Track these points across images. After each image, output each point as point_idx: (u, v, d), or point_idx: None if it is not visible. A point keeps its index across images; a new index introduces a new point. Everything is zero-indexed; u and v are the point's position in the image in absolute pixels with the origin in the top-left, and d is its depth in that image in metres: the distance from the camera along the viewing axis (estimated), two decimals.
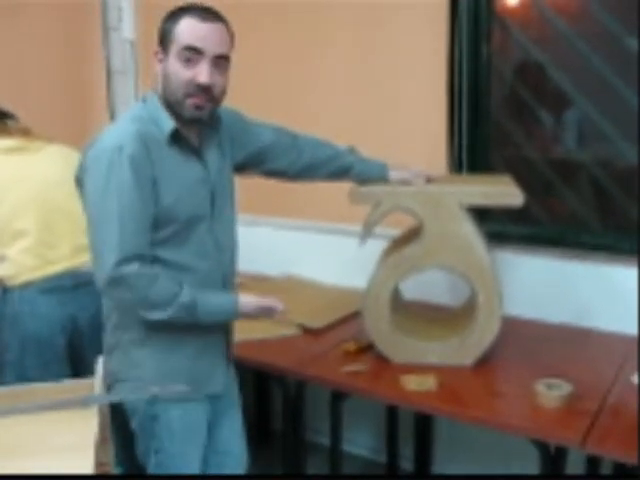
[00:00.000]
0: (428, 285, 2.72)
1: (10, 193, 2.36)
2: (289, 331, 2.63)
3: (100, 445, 1.52)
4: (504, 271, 2.69)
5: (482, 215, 2.67)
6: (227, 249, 1.99)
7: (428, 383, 2.15)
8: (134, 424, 1.97)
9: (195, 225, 1.87)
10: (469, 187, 2.24)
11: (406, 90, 2.86)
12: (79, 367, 2.39)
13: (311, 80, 3.14)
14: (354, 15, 2.93)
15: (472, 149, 2.77)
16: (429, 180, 2.29)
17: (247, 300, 1.90)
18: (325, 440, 2.64)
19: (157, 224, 1.80)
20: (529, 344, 2.47)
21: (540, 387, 2.04)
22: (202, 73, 1.76)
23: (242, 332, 2.51)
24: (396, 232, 2.49)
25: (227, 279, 2.00)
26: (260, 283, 3.19)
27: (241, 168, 2.13)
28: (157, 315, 1.80)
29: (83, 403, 1.64)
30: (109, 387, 1.94)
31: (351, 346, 2.44)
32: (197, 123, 1.88)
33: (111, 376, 1.95)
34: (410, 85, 2.85)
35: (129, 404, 1.95)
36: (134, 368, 1.92)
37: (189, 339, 1.92)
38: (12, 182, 2.37)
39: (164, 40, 1.81)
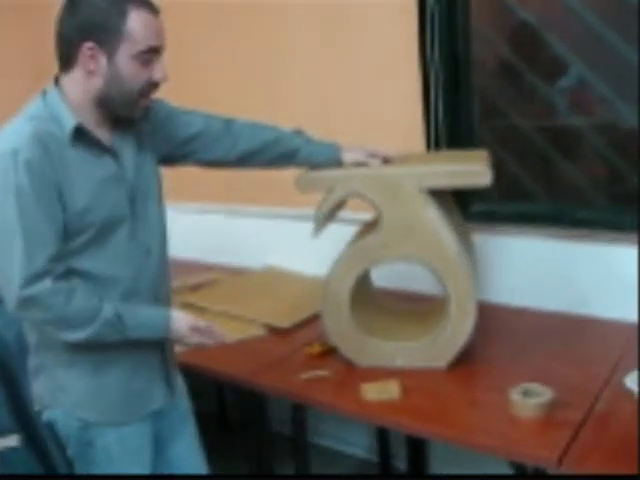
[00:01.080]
0: (406, 270, 2.44)
1: None
2: (254, 332, 2.40)
3: None
4: (493, 255, 2.45)
5: (467, 193, 2.41)
6: (154, 252, 1.77)
7: (390, 391, 1.90)
8: (69, 451, 1.78)
9: (113, 229, 1.66)
10: (431, 167, 1.96)
11: (377, 61, 2.59)
12: (8, 385, 2.21)
13: (279, 69, 2.94)
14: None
15: (452, 123, 2.49)
16: (387, 161, 2.02)
17: (181, 317, 1.71)
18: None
19: (69, 232, 1.59)
20: (516, 339, 2.20)
21: (515, 395, 1.78)
22: (159, 71, 1.62)
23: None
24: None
25: (156, 285, 1.78)
26: (237, 276, 2.98)
27: (169, 160, 1.91)
28: (77, 335, 1.61)
29: None
30: (39, 414, 1.78)
31: (315, 348, 2.20)
32: (122, 120, 1.69)
33: (38, 402, 1.78)
34: (381, 56, 2.58)
35: (61, 429, 1.75)
36: (61, 392, 1.73)
37: (119, 356, 1.72)
38: None
39: (103, 35, 1.54)
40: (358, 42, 2.64)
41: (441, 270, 1.97)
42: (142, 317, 1.67)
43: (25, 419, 1.96)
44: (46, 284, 1.54)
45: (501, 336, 2.22)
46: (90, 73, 1.58)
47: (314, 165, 2.03)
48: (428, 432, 1.81)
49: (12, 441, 1.49)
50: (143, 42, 1.56)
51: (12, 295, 1.55)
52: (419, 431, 1.84)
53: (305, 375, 2.06)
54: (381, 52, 2.57)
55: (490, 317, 2.34)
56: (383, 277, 2.40)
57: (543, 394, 1.77)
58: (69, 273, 1.60)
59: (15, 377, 2.17)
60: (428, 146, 2.50)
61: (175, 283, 2.86)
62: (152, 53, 1.59)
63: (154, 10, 1.59)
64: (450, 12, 2.39)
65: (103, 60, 1.56)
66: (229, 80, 3.09)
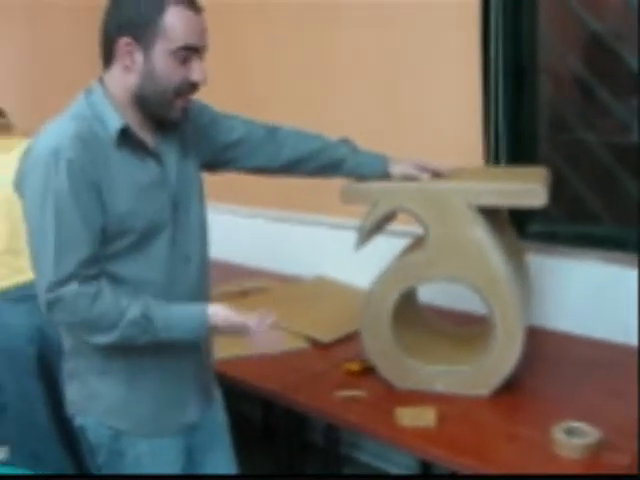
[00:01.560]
0: (456, 288, 2.33)
1: None
2: (295, 344, 2.34)
3: None
4: (551, 278, 2.32)
5: (526, 212, 2.28)
6: (194, 260, 1.71)
7: (425, 418, 1.80)
8: (99, 460, 1.74)
9: (154, 235, 1.61)
10: (481, 184, 1.86)
11: (436, 71, 2.50)
12: (50, 382, 2.22)
13: (334, 79, 2.88)
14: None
15: (514, 137, 2.36)
16: (437, 175, 1.93)
17: (218, 311, 1.61)
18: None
19: (108, 236, 1.55)
20: (567, 369, 2.06)
21: (559, 433, 1.65)
22: (197, 71, 1.55)
23: (238, 347, 2.27)
24: None
25: (195, 294, 1.72)
26: (287, 284, 2.92)
27: (213, 165, 1.86)
28: (105, 338, 1.55)
29: None
30: (72, 418, 1.74)
31: (354, 366, 2.12)
32: (165, 123, 1.63)
33: (71, 407, 1.74)
34: (440, 65, 2.49)
35: (92, 437, 1.71)
36: (94, 399, 1.69)
37: (154, 367, 1.66)
38: None
39: (140, 31, 1.50)
40: (416, 51, 2.55)
41: (487, 293, 1.86)
42: (174, 317, 1.58)
43: (62, 419, 1.94)
44: (72, 287, 1.50)
45: (552, 365, 2.09)
46: (126, 69, 1.54)
47: (361, 176, 1.96)
48: (462, 466, 1.69)
49: (1, 453, 1.46)
50: (180, 39, 1.50)
51: (42, 296, 1.52)
52: (453, 464, 1.73)
53: (341, 394, 1.98)
54: (441, 61, 2.47)
55: (543, 344, 2.22)
56: (431, 294, 2.30)
57: (589, 434, 1.65)
58: (106, 277, 1.56)
59: (55, 370, 2.18)
60: (487, 161, 2.38)
61: (225, 287, 2.85)
62: (190, 51, 1.53)
63: (195, 7, 1.53)
64: (515, 22, 2.28)
65: (139, 56, 1.52)
66: (283, 84, 3.06)
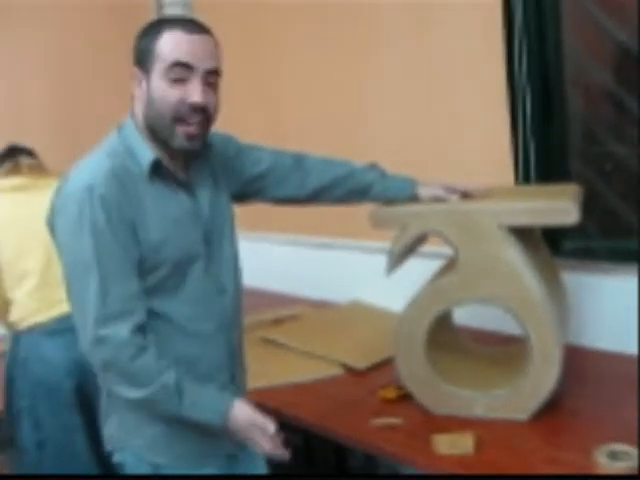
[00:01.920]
0: (493, 308, 2.30)
1: (13, 233, 2.31)
2: (330, 372, 2.31)
3: None
4: (589, 295, 2.26)
5: (560, 229, 2.24)
6: (229, 290, 1.71)
7: (464, 445, 1.76)
8: None
9: (188, 268, 1.61)
10: (511, 204, 1.83)
11: (462, 88, 2.48)
12: (89, 414, 2.23)
13: (365, 99, 2.87)
14: (405, 19, 2.62)
15: (544, 154, 2.33)
16: (466, 196, 1.90)
17: (242, 408, 1.58)
18: None
19: (144, 270, 1.55)
20: (609, 389, 2.01)
21: (601, 457, 1.60)
22: (194, 92, 1.51)
23: (270, 375, 2.27)
24: None
25: (230, 324, 1.72)
26: (320, 311, 2.90)
27: (241, 197, 1.86)
28: (131, 393, 1.54)
29: None
30: (110, 455, 1.74)
31: (390, 392, 2.09)
32: (187, 154, 1.63)
33: (109, 442, 1.74)
34: (467, 87, 2.47)
35: (130, 470, 1.71)
36: (132, 435, 1.68)
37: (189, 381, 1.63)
38: (15, 222, 2.30)
39: (143, 59, 1.54)
40: (443, 71, 2.53)
41: (522, 314, 1.82)
42: (203, 397, 1.57)
43: (102, 453, 1.94)
44: (121, 330, 1.49)
45: (592, 385, 2.04)
46: (138, 99, 1.57)
47: (389, 200, 1.94)
48: None
49: None
50: (169, 57, 1.50)
51: (86, 334, 1.51)
52: None
53: (377, 422, 1.95)
54: (467, 80, 2.45)
55: (582, 363, 2.18)
56: (467, 316, 2.27)
57: (632, 457, 1.59)
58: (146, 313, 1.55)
59: (94, 403, 2.18)
60: (517, 179, 2.34)
61: (259, 315, 2.85)
62: (183, 70, 1.51)
63: (190, 29, 1.52)
64: (540, 37, 2.25)
65: (144, 84, 1.55)
66: (314, 100, 3.07)
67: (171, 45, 1.51)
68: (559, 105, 2.31)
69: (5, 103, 3.21)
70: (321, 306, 2.99)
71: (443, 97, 2.55)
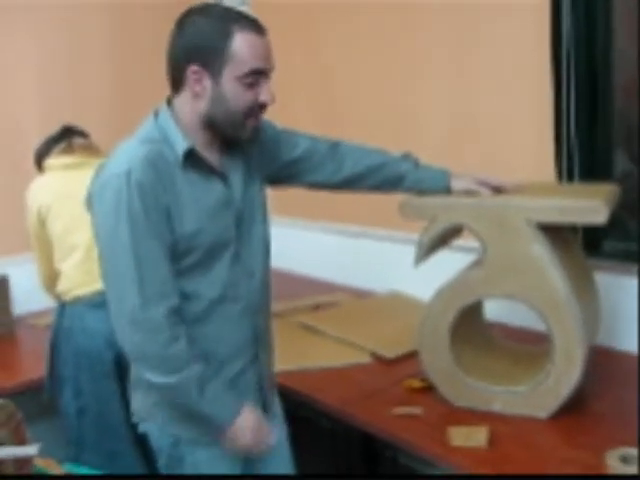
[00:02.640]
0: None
1: (65, 209, 2.41)
2: (359, 359, 2.35)
3: None
4: (626, 297, 2.22)
5: (601, 229, 2.21)
6: (257, 274, 1.76)
7: (477, 438, 1.77)
8: (160, 464, 1.80)
9: (219, 252, 1.66)
10: (541, 201, 1.82)
11: (506, 82, 2.46)
12: (125, 386, 2.30)
13: (409, 93, 2.89)
14: (453, 18, 2.63)
15: (588, 151, 2.29)
16: (499, 191, 1.90)
17: (249, 415, 1.66)
18: None
19: (176, 254, 1.60)
20: (635, 393, 1.97)
21: (612, 460, 1.59)
22: (265, 93, 1.59)
23: (302, 359, 2.32)
24: None
25: (259, 307, 1.77)
26: (359, 299, 2.93)
27: (275, 181, 1.90)
28: (159, 378, 1.59)
29: None
30: (136, 425, 1.82)
31: (415, 383, 2.10)
32: (231, 142, 1.69)
33: (136, 414, 1.81)
34: (511, 76, 2.45)
35: (154, 443, 1.78)
36: (156, 408, 1.75)
37: (214, 375, 1.68)
38: (67, 198, 2.40)
39: (208, 58, 1.54)
40: (487, 61, 2.52)
41: (547, 312, 1.81)
42: (219, 395, 1.64)
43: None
44: (157, 314, 1.54)
45: (619, 388, 2.01)
46: (196, 95, 1.58)
47: (422, 191, 1.95)
48: None
49: (32, 450, 1.52)
50: (247, 64, 1.54)
51: (122, 317, 1.57)
52: None
53: (397, 410, 1.97)
54: (511, 72, 2.43)
55: (613, 365, 2.15)
56: (501, 311, 2.26)
57: None
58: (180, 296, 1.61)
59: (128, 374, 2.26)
60: (560, 177, 2.32)
61: (299, 301, 2.90)
62: (258, 75, 1.56)
63: (260, 31, 1.56)
64: (588, 33, 2.21)
65: (208, 82, 1.55)
66: (359, 92, 3.09)
67: (248, 50, 1.53)
68: (604, 103, 2.27)
69: (65, 87, 3.33)
70: (361, 295, 3.01)
71: (489, 93, 2.54)
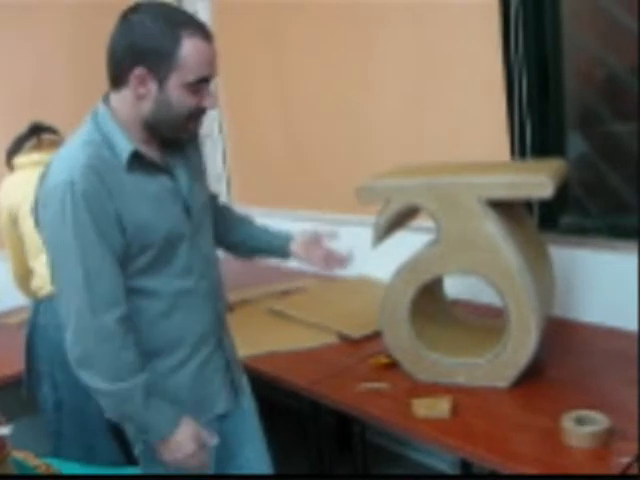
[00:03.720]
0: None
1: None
2: (327, 340, 2.42)
3: None
4: (582, 271, 2.30)
5: (557, 205, 2.29)
6: (212, 260, 1.81)
7: (440, 409, 1.84)
8: (137, 451, 1.83)
9: (175, 245, 1.68)
10: (489, 178, 1.88)
11: (459, 65, 2.53)
12: None
13: (363, 80, 2.96)
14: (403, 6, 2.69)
15: (541, 131, 2.37)
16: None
17: (189, 426, 1.68)
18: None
19: (131, 254, 1.61)
20: (591, 360, 2.06)
21: (567, 422, 1.67)
22: (209, 99, 1.60)
23: (271, 343, 2.37)
24: None
25: (217, 293, 1.82)
26: (327, 284, 2.99)
27: None
28: (108, 385, 1.58)
29: None
30: None
31: (380, 360, 2.17)
32: (172, 141, 1.70)
33: None
34: (464, 59, 2.51)
35: (129, 431, 1.80)
36: None
37: (187, 359, 1.74)
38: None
39: (157, 61, 1.52)
40: (441, 45, 2.58)
41: (501, 286, 1.88)
42: (162, 406, 1.65)
43: None
44: (110, 320, 1.55)
45: (576, 357, 2.09)
46: (139, 97, 1.57)
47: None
48: (472, 454, 1.73)
49: (5, 430, 1.56)
50: (195, 72, 1.54)
51: (74, 325, 1.57)
52: (464, 453, 1.77)
53: (364, 386, 2.04)
54: (464, 55, 2.50)
55: (571, 336, 2.24)
56: (463, 288, 2.33)
57: (598, 423, 1.65)
58: (137, 292, 1.63)
59: None
60: (513, 155, 2.39)
61: (268, 287, 2.95)
62: (203, 83, 1.57)
63: (208, 37, 1.56)
64: (537, 14, 2.28)
65: (153, 86, 1.55)
66: (320, 82, 3.14)
67: (195, 57, 1.53)
68: (555, 81, 2.34)
69: (32, 84, 3.34)
70: (328, 280, 3.06)
71: (441, 77, 2.60)
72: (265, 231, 2.05)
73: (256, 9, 3.35)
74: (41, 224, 1.60)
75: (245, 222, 2.05)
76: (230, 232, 2.00)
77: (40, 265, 2.46)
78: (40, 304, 2.48)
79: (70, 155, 1.58)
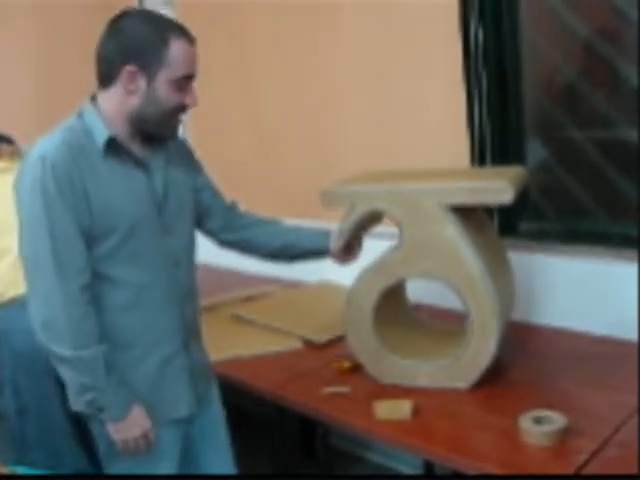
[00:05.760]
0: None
1: None
2: (291, 345, 2.44)
3: None
4: (540, 275, 2.35)
5: (516, 210, 2.34)
6: (182, 264, 1.83)
7: (401, 411, 1.86)
8: (101, 452, 1.84)
9: (139, 236, 1.73)
10: (451, 184, 1.92)
11: (420, 77, 2.58)
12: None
13: (323, 81, 3.00)
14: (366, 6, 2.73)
15: (501, 138, 2.42)
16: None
17: (143, 415, 1.74)
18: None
19: (95, 236, 1.68)
20: (550, 362, 2.11)
21: (525, 422, 1.71)
22: (191, 96, 1.73)
23: (235, 348, 2.38)
24: None
25: (185, 296, 1.84)
26: (290, 290, 3.01)
27: None
28: (71, 352, 1.64)
29: None
30: (78, 419, 1.89)
31: (343, 364, 2.19)
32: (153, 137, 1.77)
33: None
34: (424, 71, 2.56)
35: (94, 429, 1.82)
36: None
37: (146, 357, 1.78)
38: None
39: (145, 59, 1.65)
40: (401, 49, 2.64)
41: (462, 289, 1.92)
42: (119, 388, 1.71)
43: (78, 419, 2.04)
44: (72, 287, 1.63)
45: (536, 359, 2.14)
46: (129, 92, 1.68)
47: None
48: (433, 455, 1.76)
49: None
50: (181, 70, 1.67)
51: (36, 289, 1.65)
52: (425, 454, 1.80)
53: (326, 390, 2.06)
54: (424, 61, 2.55)
55: (531, 339, 2.28)
56: (425, 293, 2.37)
57: (555, 422, 1.69)
58: (102, 279, 1.69)
59: None
60: (472, 162, 2.43)
61: (232, 294, 2.96)
62: (187, 80, 1.70)
63: (192, 40, 1.70)
64: (496, 18, 2.34)
65: (143, 82, 1.66)
66: (280, 87, 3.18)
67: (182, 56, 1.67)
68: (515, 88, 2.40)
69: None
70: (292, 286, 3.09)
71: (401, 83, 2.65)
72: (303, 231, 2.12)
73: (220, 12, 3.38)
74: (17, 199, 1.68)
75: (282, 227, 2.13)
76: (268, 240, 2.09)
77: (1, 270, 2.46)
78: (2, 310, 2.46)
79: (48, 139, 1.68)
